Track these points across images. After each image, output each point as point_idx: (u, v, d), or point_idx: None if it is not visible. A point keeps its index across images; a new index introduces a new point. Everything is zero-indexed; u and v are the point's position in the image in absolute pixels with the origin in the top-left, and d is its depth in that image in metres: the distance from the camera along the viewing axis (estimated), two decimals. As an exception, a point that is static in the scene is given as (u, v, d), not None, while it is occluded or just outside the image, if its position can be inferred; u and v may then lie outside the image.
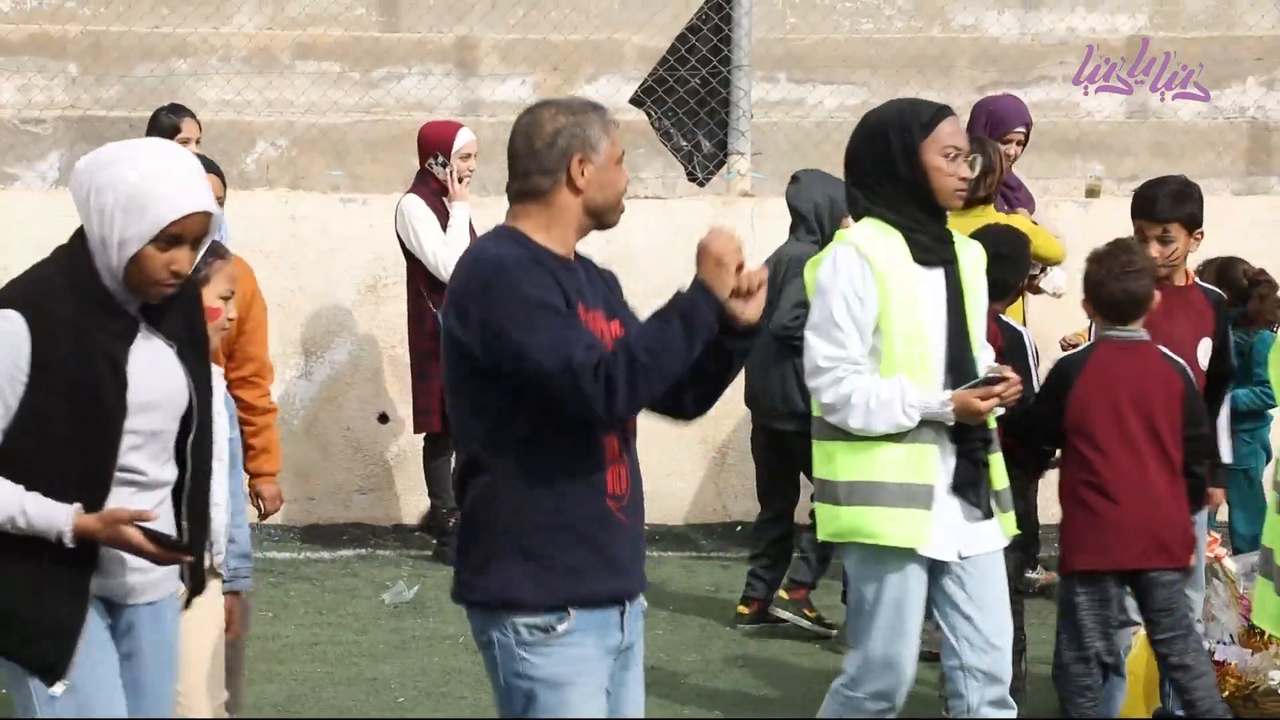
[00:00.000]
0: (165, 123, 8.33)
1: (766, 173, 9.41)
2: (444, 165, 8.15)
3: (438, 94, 9.91)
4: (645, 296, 9.17)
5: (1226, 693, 5.85)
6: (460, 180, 8.13)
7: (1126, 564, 5.47)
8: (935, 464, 4.75)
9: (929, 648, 5.39)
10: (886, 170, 4.78)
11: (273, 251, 8.94)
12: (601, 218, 3.87)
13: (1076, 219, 8.58)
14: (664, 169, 9.50)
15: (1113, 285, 5.54)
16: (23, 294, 3.71)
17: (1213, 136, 9.73)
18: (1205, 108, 9.96)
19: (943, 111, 4.86)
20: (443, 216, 8.15)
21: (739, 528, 9.05)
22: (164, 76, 9.78)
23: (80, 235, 3.75)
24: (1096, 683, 5.49)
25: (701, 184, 9.27)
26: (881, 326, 4.73)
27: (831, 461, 4.80)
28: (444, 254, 8.03)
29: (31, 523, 3.67)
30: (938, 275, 4.79)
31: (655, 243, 8.69)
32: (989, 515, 4.82)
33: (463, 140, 8.17)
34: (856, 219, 4.87)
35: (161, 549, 3.70)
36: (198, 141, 8.18)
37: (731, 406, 8.94)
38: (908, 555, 4.76)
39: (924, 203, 4.78)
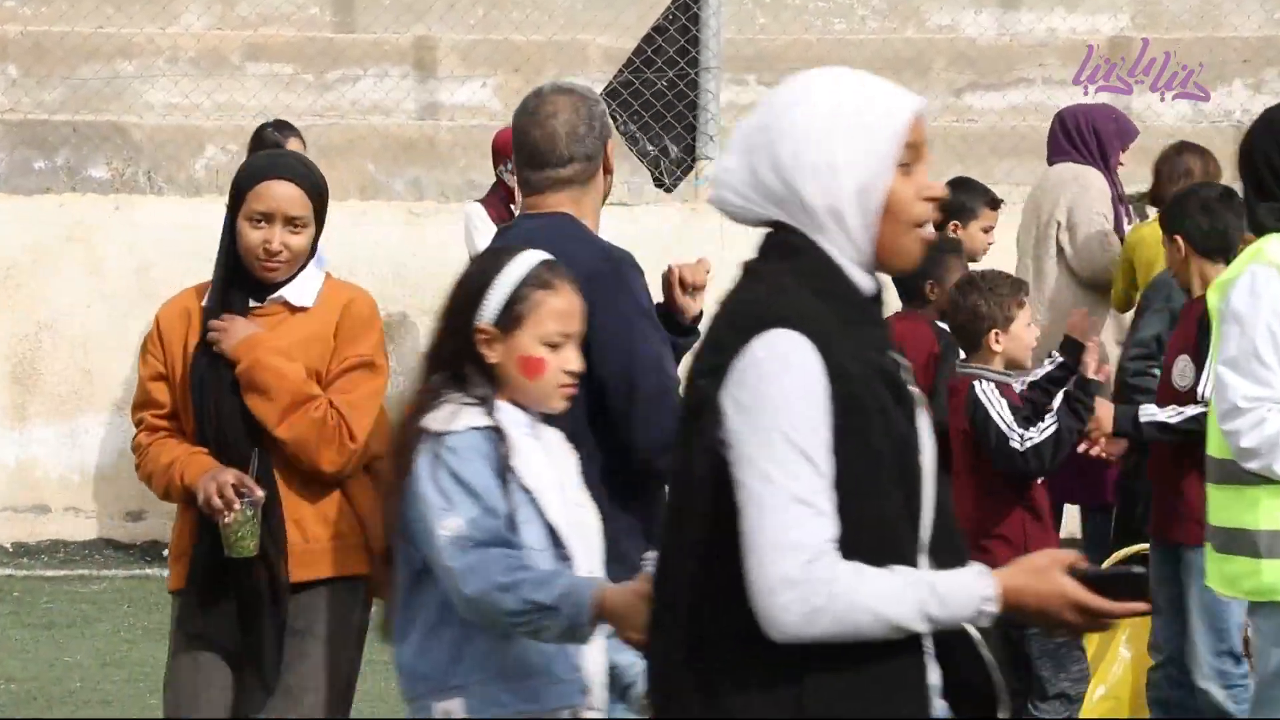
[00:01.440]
0: (270, 139, 8.06)
1: (736, 178, 9.18)
2: (512, 172, 8.06)
3: (395, 96, 9.75)
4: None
5: (1211, 716, 5.67)
6: None
7: None
8: None
9: None
10: None
11: (222, 260, 8.82)
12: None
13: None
14: (630, 174, 9.33)
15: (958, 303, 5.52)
16: (785, 310, 2.64)
17: (1198, 140, 9.50)
18: (1190, 111, 9.79)
19: None
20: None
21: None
22: (109, 79, 9.63)
23: (783, 235, 2.71)
24: None
25: (669, 190, 9.13)
26: None
27: (1252, 509, 4.38)
28: None
29: (947, 608, 2.61)
30: None
31: (621, 251, 8.45)
32: None
33: None
34: (1257, 234, 4.49)
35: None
36: None
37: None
38: None
39: None
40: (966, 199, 6.86)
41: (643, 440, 3.75)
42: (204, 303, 4.31)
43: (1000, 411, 5.39)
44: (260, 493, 4.09)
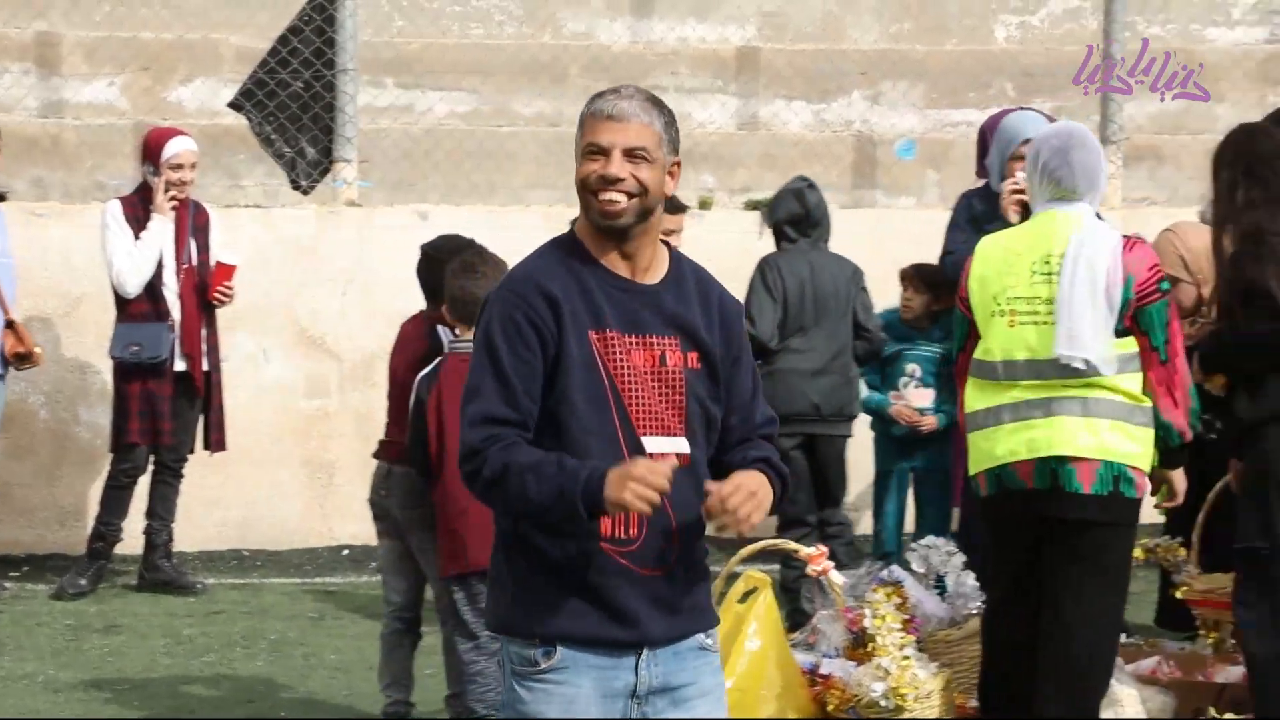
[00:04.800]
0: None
1: (374, 181, 9.14)
2: (155, 174, 7.88)
3: (15, 94, 9.35)
4: (242, 311, 8.71)
5: (831, 706, 5.83)
6: (167, 190, 7.82)
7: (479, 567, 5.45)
8: None
9: None
10: None
11: None
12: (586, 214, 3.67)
13: (689, 230, 8.53)
14: (265, 176, 9.15)
15: (453, 285, 5.36)
16: None
17: (820, 149, 9.83)
18: (814, 120, 10.08)
19: None
20: (143, 226, 7.85)
21: (345, 551, 8.74)
22: None
23: None
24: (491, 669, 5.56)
25: (305, 192, 8.97)
26: None
27: None
28: (120, 263, 7.78)
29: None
30: None
31: (256, 254, 8.29)
32: None
33: (171, 150, 7.87)
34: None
35: None
36: None
37: (338, 424, 8.58)
38: None
39: None
40: None
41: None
42: None
43: None
44: None
